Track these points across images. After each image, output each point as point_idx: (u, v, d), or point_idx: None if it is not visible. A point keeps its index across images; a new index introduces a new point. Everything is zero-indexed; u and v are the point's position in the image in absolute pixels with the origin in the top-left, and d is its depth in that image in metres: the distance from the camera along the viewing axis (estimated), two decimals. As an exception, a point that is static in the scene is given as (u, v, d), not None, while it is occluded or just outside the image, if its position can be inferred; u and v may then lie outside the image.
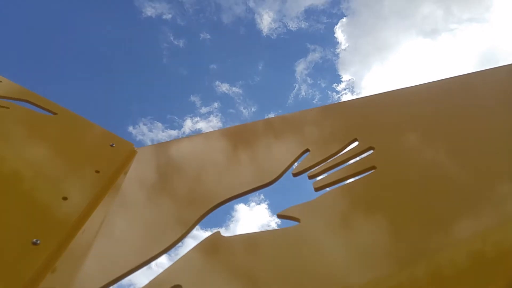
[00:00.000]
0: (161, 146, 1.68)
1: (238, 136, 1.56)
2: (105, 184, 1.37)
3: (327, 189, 1.17)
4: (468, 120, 1.24)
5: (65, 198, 1.20)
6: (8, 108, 1.44)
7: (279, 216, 1.09)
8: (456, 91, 1.40)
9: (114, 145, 1.56)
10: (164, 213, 1.26)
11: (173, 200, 1.33)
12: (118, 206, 1.30)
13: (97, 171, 1.38)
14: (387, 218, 0.99)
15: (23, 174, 1.23)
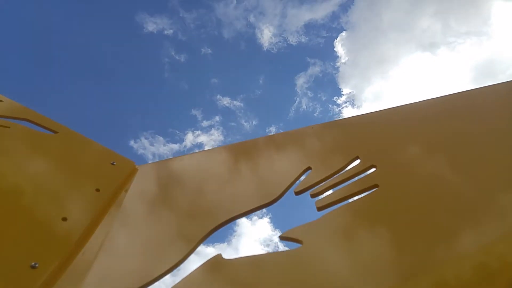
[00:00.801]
0: (162, 164, 1.67)
1: (240, 154, 1.56)
2: (106, 203, 1.35)
3: (330, 208, 1.15)
4: (470, 135, 1.24)
5: (64, 219, 1.18)
6: (9, 127, 1.44)
7: (282, 238, 1.07)
8: (457, 108, 1.41)
9: (114, 163, 1.56)
10: (166, 232, 1.24)
11: (175, 219, 1.32)
12: (119, 225, 1.28)
13: (98, 190, 1.37)
14: (391, 237, 0.98)
15: (23, 194, 1.22)
